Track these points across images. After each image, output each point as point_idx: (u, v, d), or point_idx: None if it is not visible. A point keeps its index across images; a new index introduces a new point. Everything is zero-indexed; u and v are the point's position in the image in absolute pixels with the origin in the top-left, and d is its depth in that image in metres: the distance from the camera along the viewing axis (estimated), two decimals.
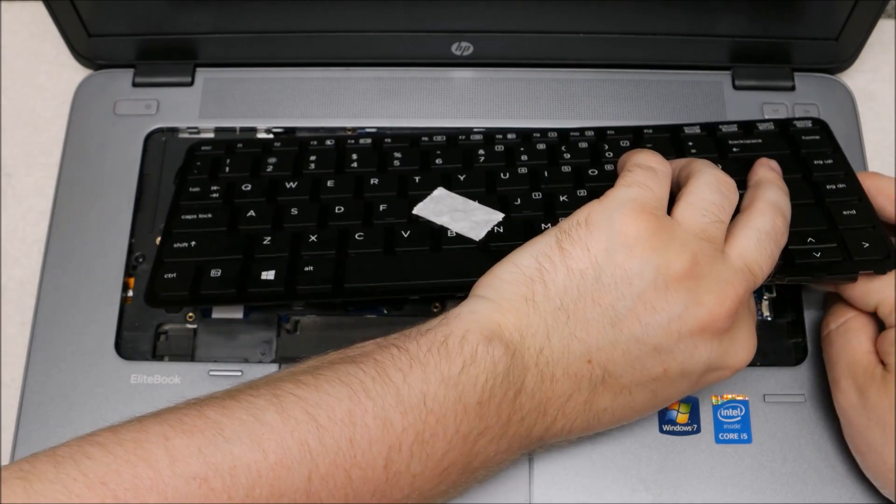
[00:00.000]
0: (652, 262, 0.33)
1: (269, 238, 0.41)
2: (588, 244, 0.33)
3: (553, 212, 0.41)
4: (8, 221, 0.48)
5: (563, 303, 0.33)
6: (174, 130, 0.49)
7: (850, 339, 0.39)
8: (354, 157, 0.44)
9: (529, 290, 0.33)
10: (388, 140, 0.45)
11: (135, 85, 0.50)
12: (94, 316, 0.43)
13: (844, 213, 0.40)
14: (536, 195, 0.42)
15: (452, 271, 0.39)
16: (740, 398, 0.41)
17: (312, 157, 0.44)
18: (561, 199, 0.41)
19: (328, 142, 0.46)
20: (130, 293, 0.44)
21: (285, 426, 0.29)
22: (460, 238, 0.40)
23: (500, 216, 0.40)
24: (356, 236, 0.40)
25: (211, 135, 0.49)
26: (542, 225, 0.40)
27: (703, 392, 0.41)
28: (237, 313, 0.43)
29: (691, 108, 0.49)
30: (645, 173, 0.35)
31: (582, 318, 0.33)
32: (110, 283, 0.44)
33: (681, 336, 0.33)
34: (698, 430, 0.40)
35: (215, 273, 0.40)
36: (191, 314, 0.43)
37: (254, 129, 0.49)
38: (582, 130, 0.45)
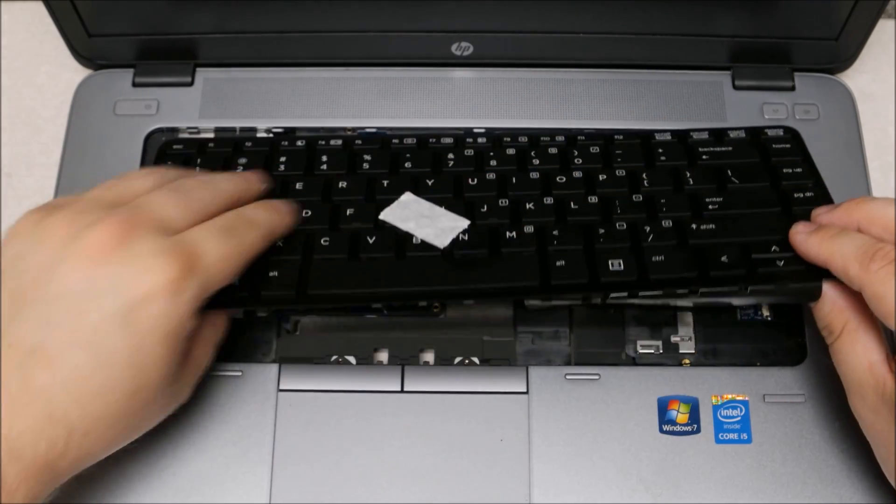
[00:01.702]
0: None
1: None
2: None
3: (519, 219, 0.41)
4: (8, 222, 0.48)
5: None
6: (174, 130, 0.49)
7: None
8: (324, 158, 0.44)
9: None
10: (359, 142, 0.46)
11: (135, 85, 0.50)
12: None
13: None
14: (503, 202, 0.42)
15: (415, 280, 0.39)
16: (740, 398, 0.41)
17: (283, 159, 0.44)
18: (527, 206, 0.41)
19: (299, 143, 0.46)
20: None
21: None
22: (425, 245, 0.40)
23: (465, 223, 0.41)
24: (322, 241, 0.40)
25: (211, 135, 0.49)
26: (507, 233, 0.40)
27: (703, 392, 0.41)
28: (237, 313, 0.43)
29: (691, 108, 0.49)
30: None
31: None
32: None
33: (53, 262, 0.34)
34: (698, 431, 0.40)
35: None
36: None
37: (254, 129, 0.48)
38: (552, 135, 0.45)
